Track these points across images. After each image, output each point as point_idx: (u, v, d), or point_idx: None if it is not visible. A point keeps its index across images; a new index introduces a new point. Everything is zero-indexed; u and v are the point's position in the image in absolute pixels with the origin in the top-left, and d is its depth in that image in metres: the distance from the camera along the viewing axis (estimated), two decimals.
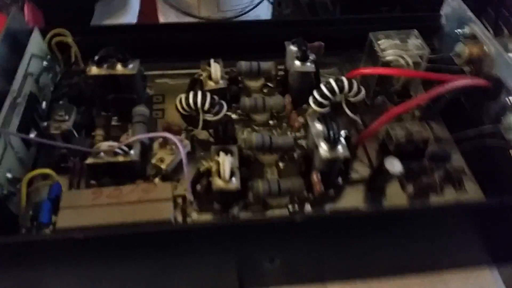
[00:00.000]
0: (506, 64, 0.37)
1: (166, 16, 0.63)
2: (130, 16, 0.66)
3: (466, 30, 0.41)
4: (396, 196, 0.35)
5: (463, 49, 0.40)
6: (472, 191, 0.36)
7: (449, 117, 0.41)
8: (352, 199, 0.35)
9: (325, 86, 0.35)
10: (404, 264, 0.35)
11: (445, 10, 0.45)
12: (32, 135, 0.34)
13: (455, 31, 0.42)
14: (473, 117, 0.39)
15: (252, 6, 0.59)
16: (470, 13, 0.41)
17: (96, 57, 0.35)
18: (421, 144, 0.36)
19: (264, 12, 0.63)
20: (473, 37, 0.40)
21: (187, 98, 0.35)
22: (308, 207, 0.34)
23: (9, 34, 0.37)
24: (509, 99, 0.36)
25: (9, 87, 0.34)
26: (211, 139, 0.38)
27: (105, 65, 0.36)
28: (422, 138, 0.36)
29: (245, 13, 0.59)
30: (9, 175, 0.31)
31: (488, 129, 0.37)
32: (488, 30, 0.42)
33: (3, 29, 0.37)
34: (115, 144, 0.33)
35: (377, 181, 0.35)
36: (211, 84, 0.38)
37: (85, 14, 0.57)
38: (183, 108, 0.35)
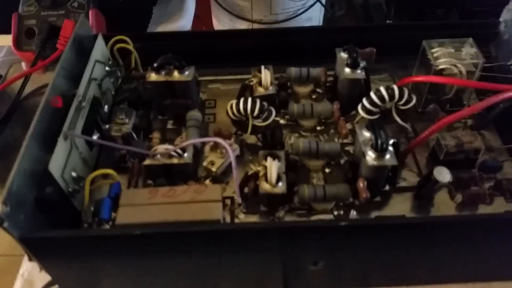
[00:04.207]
0: None
1: (219, 19, 0.64)
2: (186, 19, 0.68)
3: None
4: (444, 205, 0.35)
5: None
6: None
7: (502, 126, 0.39)
8: (399, 206, 0.35)
9: (375, 94, 0.35)
10: (450, 273, 0.35)
11: (504, 16, 0.43)
12: (95, 137, 0.36)
13: None
14: None
15: (304, 9, 0.59)
16: None
17: (155, 65, 0.37)
18: (471, 154, 0.36)
19: (316, 14, 0.62)
20: None
21: (237, 104, 0.36)
22: (353, 213, 0.34)
23: (76, 40, 0.39)
24: None
25: (75, 91, 0.35)
26: (259, 144, 0.39)
27: (163, 72, 0.38)
28: (473, 148, 0.35)
29: (297, 15, 0.59)
30: (74, 174, 0.33)
31: None
32: None
33: (71, 36, 0.39)
34: (170, 147, 0.34)
35: (425, 190, 0.34)
36: (261, 90, 0.39)
37: (143, 17, 0.60)
38: (233, 113, 0.37)
